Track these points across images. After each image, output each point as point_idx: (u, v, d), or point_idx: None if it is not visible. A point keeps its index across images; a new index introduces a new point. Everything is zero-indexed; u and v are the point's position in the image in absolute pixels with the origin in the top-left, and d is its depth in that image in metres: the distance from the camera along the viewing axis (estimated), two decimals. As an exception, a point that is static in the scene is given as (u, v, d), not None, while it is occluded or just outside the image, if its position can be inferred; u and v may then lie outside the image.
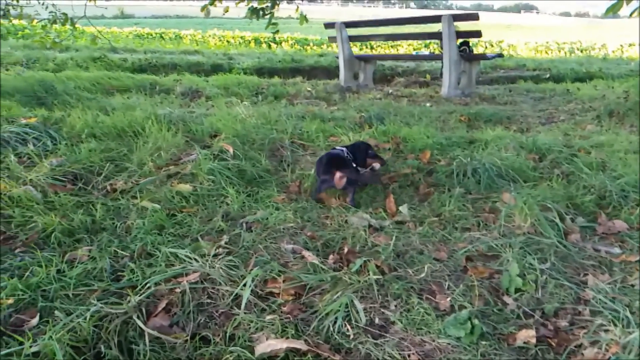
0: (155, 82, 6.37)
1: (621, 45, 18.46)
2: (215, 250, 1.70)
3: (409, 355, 1.23)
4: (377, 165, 2.55)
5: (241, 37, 18.32)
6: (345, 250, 1.74)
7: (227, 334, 1.31)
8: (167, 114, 3.40)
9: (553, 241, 1.80)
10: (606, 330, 1.33)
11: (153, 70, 8.85)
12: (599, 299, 1.49)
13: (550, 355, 1.26)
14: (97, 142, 2.83)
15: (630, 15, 3.57)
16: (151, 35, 18.94)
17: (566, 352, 1.26)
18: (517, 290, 1.52)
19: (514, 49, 17.83)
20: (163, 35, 18.94)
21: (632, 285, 1.59)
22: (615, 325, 1.34)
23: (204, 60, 9.57)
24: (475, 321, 1.33)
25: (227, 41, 17.43)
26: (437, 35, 5.96)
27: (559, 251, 1.76)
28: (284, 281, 1.54)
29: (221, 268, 1.57)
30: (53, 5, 5.94)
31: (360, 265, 1.63)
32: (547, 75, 8.78)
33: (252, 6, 4.99)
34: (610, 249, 1.84)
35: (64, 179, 2.32)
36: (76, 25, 5.84)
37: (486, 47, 17.58)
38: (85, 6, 6.07)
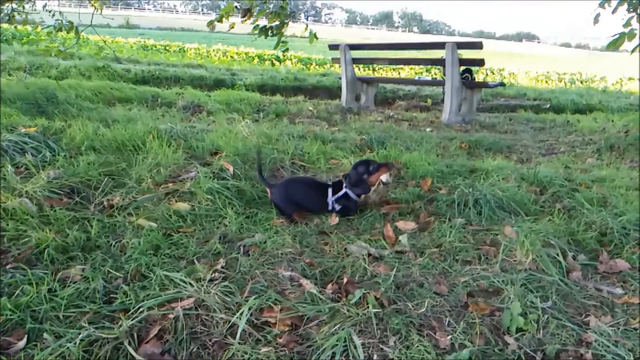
0: (157, 94, 6.38)
1: (620, 79, 18.66)
2: (211, 274, 1.66)
3: (407, 397, 1.19)
4: (385, 177, 2.40)
5: (245, 54, 18.44)
6: (345, 280, 1.70)
7: (221, 365, 1.27)
8: (168, 129, 3.38)
9: (555, 279, 1.78)
10: (610, 377, 1.30)
11: (156, 83, 8.88)
12: (601, 342, 1.45)
13: (552, 401, 1.22)
14: (97, 155, 2.81)
15: (632, 52, 3.61)
16: (155, 47, 19.04)
17: (569, 398, 1.23)
18: (518, 329, 1.48)
19: (514, 78, 17.99)
20: (167, 47, 19.05)
21: (635, 329, 1.55)
22: (617, 370, 1.31)
23: (207, 75, 9.61)
24: (476, 362, 1.29)
25: (231, 57, 17.53)
26: (440, 62, 6.01)
27: (561, 289, 1.73)
28: (280, 310, 1.50)
29: (216, 294, 1.53)
30: (60, 13, 5.97)
31: (360, 297, 1.59)
32: (548, 106, 8.84)
33: (259, 25, 5.02)
34: (612, 289, 1.81)
35: (60, 192, 2.29)
36: (81, 34, 5.86)
37: (487, 75, 17.74)
38: (93, 15, 6.11)
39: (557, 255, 1.90)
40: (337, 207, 2.37)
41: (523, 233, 2.01)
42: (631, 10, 3.59)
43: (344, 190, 2.36)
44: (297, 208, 2.35)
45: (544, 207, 2.54)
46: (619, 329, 1.55)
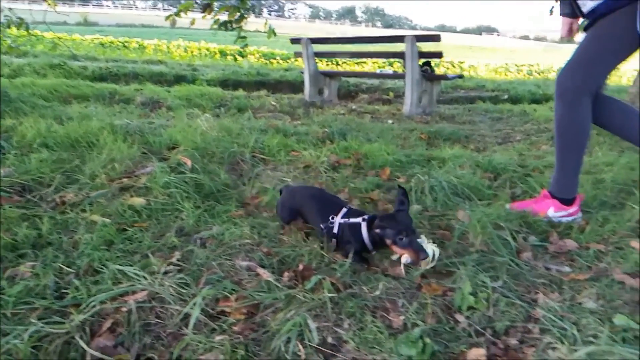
0: (115, 91, 6.24)
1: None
2: (166, 267, 1.65)
3: (360, 376, 1.22)
4: (405, 259, 1.75)
5: (207, 49, 18.20)
6: (301, 267, 1.72)
7: (174, 356, 1.26)
8: (123, 125, 3.32)
9: (505, 259, 1.84)
10: (554, 348, 1.35)
11: (114, 80, 8.68)
12: (549, 317, 1.51)
13: (499, 373, 1.27)
14: (49, 153, 2.73)
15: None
16: (114, 44, 18.58)
17: (515, 370, 1.28)
18: (469, 308, 1.53)
19: (474, 70, 18.39)
20: (126, 44, 18.60)
21: (580, 304, 1.62)
22: (562, 343, 1.37)
23: (167, 71, 9.45)
24: (427, 339, 1.33)
25: (192, 52, 17.27)
26: (400, 55, 6.08)
27: (511, 269, 1.80)
28: (236, 300, 1.51)
29: (171, 286, 1.52)
30: (10, 9, 5.76)
31: (315, 283, 1.61)
32: (506, 96, 9.08)
33: (219, 19, 4.98)
34: (561, 267, 1.89)
35: (11, 190, 2.23)
36: (35, 31, 5.67)
37: (448, 68, 18.07)
38: (45, 12, 5.91)
39: (508, 237, 1.97)
40: (334, 232, 1.88)
41: (475, 217, 2.08)
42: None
43: (359, 219, 1.84)
44: (296, 217, 2.08)
45: (497, 192, 2.61)
46: (565, 304, 1.62)
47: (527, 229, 2.14)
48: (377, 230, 1.76)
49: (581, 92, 2.07)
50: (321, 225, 1.92)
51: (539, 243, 2.03)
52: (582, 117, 2.10)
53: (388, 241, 1.74)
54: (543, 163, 3.23)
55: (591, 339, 1.37)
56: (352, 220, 1.86)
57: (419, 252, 1.69)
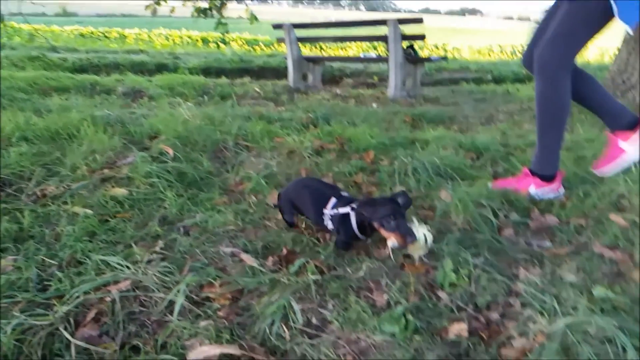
0: (96, 82, 6.15)
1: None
2: (149, 256, 1.65)
3: (344, 354, 1.23)
4: (392, 244, 1.67)
5: (189, 37, 17.97)
6: (285, 251, 1.73)
7: (159, 342, 1.27)
8: (104, 116, 3.28)
9: (487, 236, 1.86)
10: (534, 321, 1.38)
11: (95, 71, 8.54)
12: (530, 291, 1.54)
13: (481, 347, 1.29)
14: (29, 146, 2.69)
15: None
16: (94, 34, 18.26)
17: (496, 344, 1.30)
18: (451, 284, 1.56)
19: (458, 52, 18.40)
20: (106, 34, 18.30)
21: (560, 277, 1.66)
22: (542, 315, 1.40)
23: (149, 60, 9.33)
24: (410, 316, 1.35)
25: (174, 41, 17.04)
26: (383, 38, 6.06)
27: (492, 246, 1.82)
28: (221, 285, 1.51)
29: (154, 275, 1.52)
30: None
31: (300, 266, 1.62)
32: (489, 77, 9.11)
33: (199, 7, 4.92)
34: (542, 242, 1.92)
35: (-10, 185, 2.20)
36: (11, 23, 5.55)
37: (432, 51, 18.05)
38: (21, 2, 5.78)
39: (490, 214, 1.99)
40: (331, 225, 1.81)
41: (458, 196, 2.09)
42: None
43: (347, 209, 1.77)
44: (297, 213, 1.97)
45: (480, 171, 2.64)
46: (545, 278, 1.65)
47: (508, 206, 2.17)
48: (364, 212, 1.69)
49: (560, 66, 2.09)
50: (324, 213, 1.82)
51: (520, 220, 2.06)
52: (562, 91, 2.12)
53: (375, 224, 1.67)
54: (525, 141, 3.26)
55: (570, 310, 1.40)
56: (341, 210, 1.77)
57: (406, 236, 1.60)
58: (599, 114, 2.30)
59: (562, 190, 2.30)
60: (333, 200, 1.82)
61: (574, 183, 2.41)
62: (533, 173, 2.28)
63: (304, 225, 2.01)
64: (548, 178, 2.26)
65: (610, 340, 1.23)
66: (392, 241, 1.66)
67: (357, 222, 1.73)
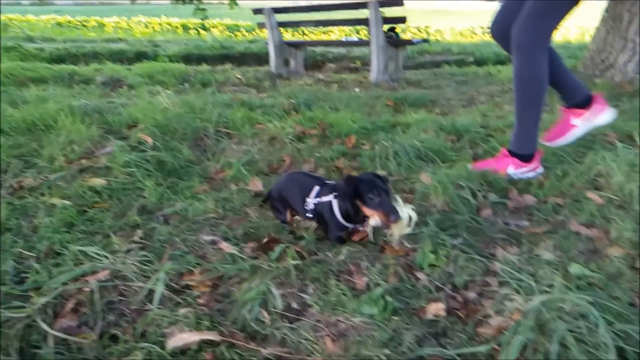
0: (74, 72, 6.04)
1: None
2: (128, 245, 1.64)
3: (323, 336, 1.25)
4: (375, 222, 1.65)
5: (168, 24, 17.68)
6: (266, 238, 1.73)
7: (138, 331, 1.27)
8: (82, 106, 3.23)
9: (465, 217, 1.88)
10: (511, 299, 1.40)
11: (73, 60, 8.38)
12: (507, 270, 1.56)
13: (458, 326, 1.32)
14: (5, 138, 2.65)
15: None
16: (72, 23, 17.87)
17: (473, 322, 1.32)
18: (430, 265, 1.57)
19: (440, 34, 18.37)
20: (85, 23, 17.92)
21: (537, 255, 1.68)
22: (519, 293, 1.42)
23: (128, 48, 9.17)
24: (389, 298, 1.36)
25: (154, 28, 16.76)
26: (364, 22, 6.02)
27: (471, 226, 1.84)
28: (201, 273, 1.51)
29: (134, 264, 1.51)
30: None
31: (280, 252, 1.62)
32: (471, 59, 9.13)
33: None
34: (519, 222, 1.94)
35: (-36, 178, 2.16)
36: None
37: (415, 33, 17.98)
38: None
39: (468, 196, 2.01)
40: (311, 214, 1.77)
41: (437, 178, 2.11)
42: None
43: (330, 197, 1.71)
44: (289, 208, 1.89)
45: (460, 153, 2.65)
46: (522, 257, 1.67)
47: (487, 187, 2.19)
48: (347, 186, 1.62)
49: (537, 44, 2.11)
50: (307, 202, 1.77)
51: (498, 200, 2.08)
52: (539, 69, 2.15)
53: (357, 201, 1.60)
54: (505, 123, 3.28)
55: (546, 288, 1.43)
56: (324, 199, 1.72)
57: (389, 214, 1.55)
58: (557, 89, 2.39)
59: (540, 169, 2.33)
60: (316, 188, 1.78)
61: (552, 163, 2.44)
62: (512, 153, 2.31)
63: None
64: (526, 158, 2.28)
65: (584, 316, 1.25)
66: (374, 219, 1.62)
67: (340, 210, 1.67)
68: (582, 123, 2.39)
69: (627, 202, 1.98)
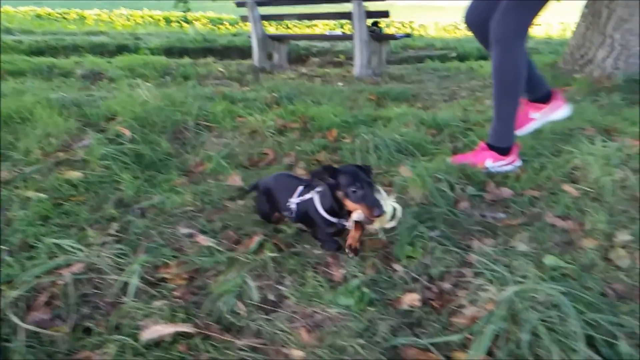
0: (53, 65, 5.95)
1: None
2: (104, 238, 1.62)
3: (298, 327, 1.25)
4: (358, 215, 1.54)
5: (150, 16, 17.45)
6: (244, 231, 1.72)
7: (112, 323, 1.26)
8: (60, 98, 3.18)
9: (443, 210, 1.90)
10: (485, 290, 1.42)
11: (52, 53, 8.23)
12: (482, 262, 1.57)
13: (433, 316, 1.33)
14: (-21, 131, 2.60)
15: None
16: (52, 15, 17.52)
17: (447, 312, 1.34)
18: (407, 257, 1.59)
19: (424, 29, 18.43)
20: (65, 15, 17.59)
21: (513, 247, 1.70)
22: (493, 284, 1.44)
23: (109, 41, 9.03)
24: (365, 289, 1.37)
25: (135, 21, 16.52)
26: (348, 15, 6.01)
27: (448, 219, 1.86)
28: (177, 266, 1.50)
29: (109, 257, 1.50)
30: None
31: (258, 245, 1.62)
32: (454, 54, 9.18)
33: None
34: (496, 214, 1.96)
35: (-64, 172, 2.11)
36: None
37: (399, 28, 18.02)
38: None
39: (446, 189, 2.03)
40: (293, 215, 1.69)
41: (417, 171, 2.12)
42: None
43: (311, 194, 1.63)
44: (275, 208, 1.80)
45: (440, 147, 2.67)
46: (498, 248, 1.69)
47: (466, 180, 2.21)
48: (328, 178, 1.53)
49: (515, 37, 2.14)
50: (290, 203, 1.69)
51: (476, 193, 2.10)
52: (516, 61, 2.17)
53: (339, 193, 1.52)
54: (485, 117, 3.30)
55: (520, 279, 1.45)
56: (306, 196, 1.64)
57: (373, 208, 1.45)
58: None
59: (518, 162, 2.36)
60: (300, 189, 1.70)
61: (530, 156, 2.47)
62: (490, 147, 2.33)
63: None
64: (504, 151, 2.31)
65: (557, 306, 1.27)
66: (357, 214, 1.52)
67: (324, 205, 1.59)
68: (540, 117, 2.48)
69: (602, 194, 2.01)
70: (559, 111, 2.49)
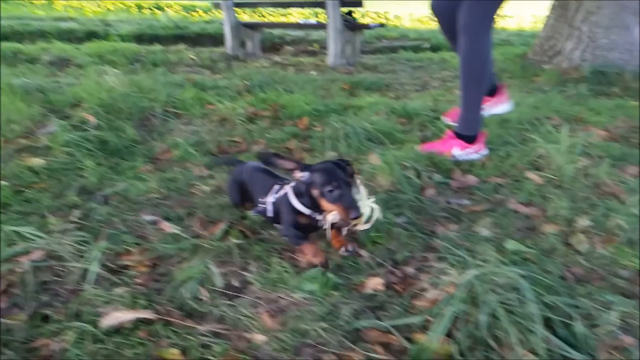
0: (18, 50, 5.76)
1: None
2: (65, 225, 1.59)
3: (261, 312, 1.25)
4: (333, 217, 1.46)
5: (122, 3, 17.03)
6: (209, 218, 1.71)
7: (72, 311, 1.24)
8: (23, 84, 3.08)
9: (410, 197, 1.92)
10: (446, 273, 1.44)
11: (17, 38, 7.95)
12: (446, 247, 1.60)
13: (396, 299, 1.35)
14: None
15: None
16: (18, 0, 16.93)
17: (409, 295, 1.36)
18: (373, 243, 1.60)
19: (399, 20, 18.47)
20: (32, 0, 17.01)
21: (476, 232, 1.74)
22: (454, 268, 1.46)
23: (78, 27, 8.77)
24: (330, 274, 1.38)
25: (107, 7, 16.10)
26: (321, 4, 5.98)
27: (415, 205, 1.88)
28: (140, 253, 1.49)
29: (69, 244, 1.47)
30: None
31: (224, 232, 1.61)
32: (427, 45, 9.22)
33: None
34: (461, 201, 2.00)
35: None
36: None
37: (373, 18, 18.00)
38: None
39: (413, 176, 2.05)
40: (270, 213, 1.60)
41: (385, 159, 2.14)
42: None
43: (286, 189, 1.57)
44: (246, 198, 1.76)
45: (409, 135, 2.69)
46: (462, 234, 1.72)
47: (433, 168, 2.24)
48: (301, 177, 1.45)
49: (481, 25, 2.17)
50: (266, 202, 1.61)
51: (442, 180, 2.13)
52: (481, 48, 2.21)
53: (315, 192, 1.42)
54: (454, 106, 3.34)
55: (481, 263, 1.47)
56: (281, 193, 1.56)
57: (349, 210, 1.36)
58: None
59: (485, 151, 2.40)
60: (275, 187, 1.61)
61: (497, 144, 2.52)
62: (457, 135, 2.36)
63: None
64: (471, 139, 2.34)
65: (516, 289, 1.30)
66: (333, 215, 1.43)
67: (297, 197, 1.51)
68: (486, 109, 2.57)
69: (564, 181, 2.07)
70: (502, 105, 2.64)
